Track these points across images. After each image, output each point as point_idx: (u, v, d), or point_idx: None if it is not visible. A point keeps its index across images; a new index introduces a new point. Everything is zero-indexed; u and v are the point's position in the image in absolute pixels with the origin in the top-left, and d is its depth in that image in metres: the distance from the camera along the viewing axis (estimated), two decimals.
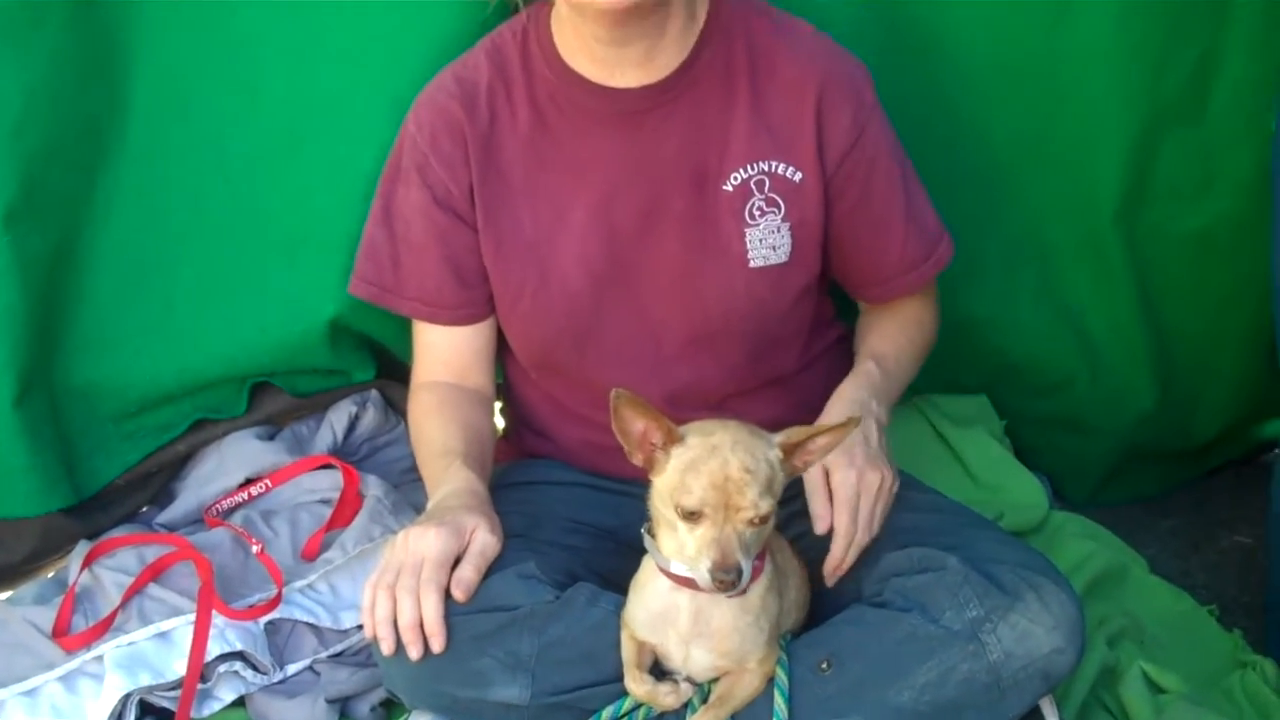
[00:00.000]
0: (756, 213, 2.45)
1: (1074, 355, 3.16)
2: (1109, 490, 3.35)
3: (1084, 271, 3.07)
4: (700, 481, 2.02)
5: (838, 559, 2.30)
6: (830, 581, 2.32)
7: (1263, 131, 2.81)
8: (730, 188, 2.44)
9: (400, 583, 2.21)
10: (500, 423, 2.89)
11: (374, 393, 3.08)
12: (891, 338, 2.59)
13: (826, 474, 2.31)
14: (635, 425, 2.08)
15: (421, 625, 2.20)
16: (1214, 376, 3.22)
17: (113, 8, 2.66)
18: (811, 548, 2.40)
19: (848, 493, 2.29)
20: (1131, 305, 3.08)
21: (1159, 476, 3.40)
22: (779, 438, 2.09)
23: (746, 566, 2.01)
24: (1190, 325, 3.14)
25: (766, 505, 2.03)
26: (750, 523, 2.03)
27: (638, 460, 2.11)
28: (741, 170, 2.44)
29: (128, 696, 2.48)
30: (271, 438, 3.00)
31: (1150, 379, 3.17)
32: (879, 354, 2.53)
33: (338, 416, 3.02)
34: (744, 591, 2.12)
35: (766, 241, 2.45)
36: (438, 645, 2.19)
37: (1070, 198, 3.00)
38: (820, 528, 2.30)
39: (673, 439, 2.07)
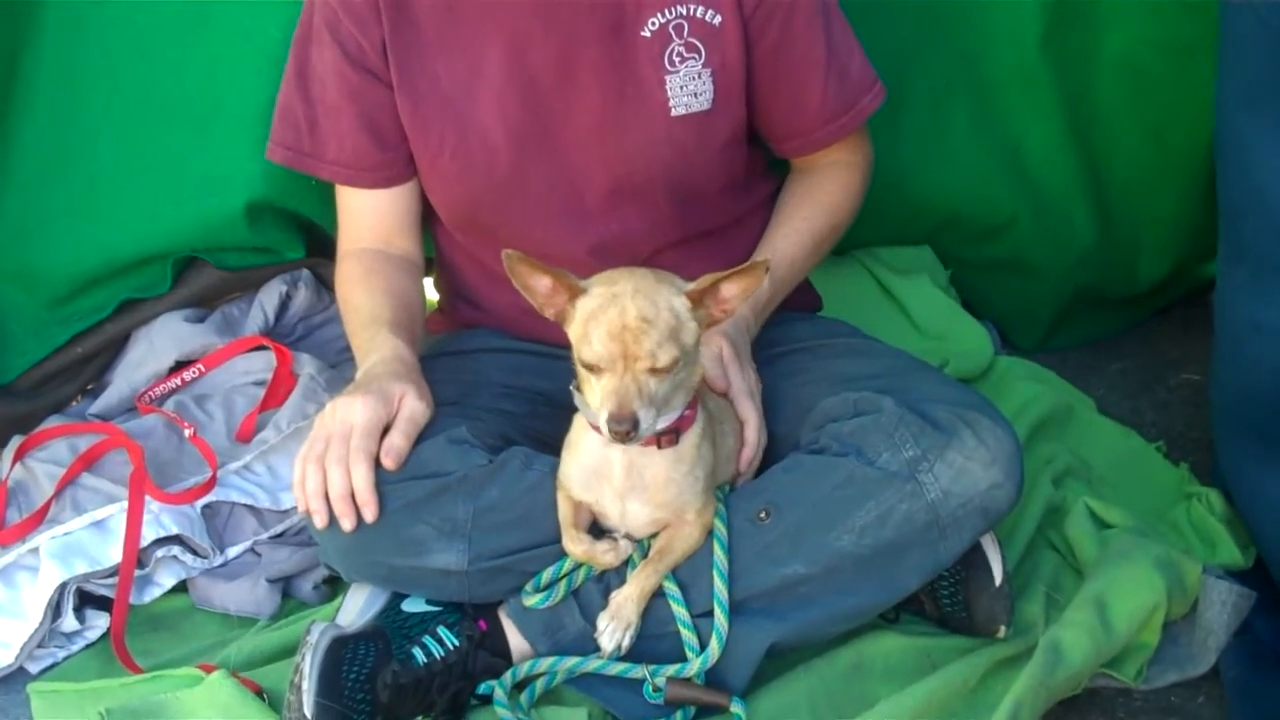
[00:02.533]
0: (676, 59, 2.38)
1: (1012, 193, 3.13)
2: (1058, 336, 3.33)
3: (1016, 104, 3.04)
4: (599, 332, 1.98)
5: (752, 448, 2.28)
6: (746, 478, 2.30)
7: None
8: (648, 34, 2.38)
9: (329, 454, 2.17)
10: (434, 296, 2.84)
11: (305, 272, 3.03)
12: (792, 226, 2.52)
13: (721, 355, 2.29)
14: (537, 281, 2.04)
15: (353, 495, 2.16)
16: (1155, 215, 3.19)
17: None
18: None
19: (745, 386, 2.28)
20: (1065, 136, 3.06)
21: (1107, 320, 3.38)
22: (689, 287, 2.04)
23: (646, 416, 1.97)
24: (1122, 155, 3.11)
25: (666, 355, 1.98)
26: (652, 371, 1.98)
27: (550, 314, 2.07)
28: (659, 15, 2.37)
29: (64, 585, 2.47)
30: (202, 320, 2.95)
31: (1089, 213, 3.15)
32: (776, 253, 2.47)
33: (268, 297, 2.97)
34: (668, 441, 2.11)
35: (688, 88, 2.39)
36: (370, 514, 2.16)
37: (996, 29, 2.96)
38: (718, 387, 2.26)
39: (575, 292, 2.03)
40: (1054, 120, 3.04)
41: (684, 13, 2.38)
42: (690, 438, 2.13)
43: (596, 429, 2.06)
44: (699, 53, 2.39)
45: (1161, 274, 3.29)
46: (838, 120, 2.51)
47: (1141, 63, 2.97)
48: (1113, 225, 3.17)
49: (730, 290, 2.03)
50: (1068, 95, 3.01)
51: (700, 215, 2.52)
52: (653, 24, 2.38)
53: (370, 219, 2.56)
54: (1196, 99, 2.89)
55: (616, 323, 1.97)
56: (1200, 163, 3.02)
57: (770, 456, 2.32)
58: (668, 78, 2.39)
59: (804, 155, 2.58)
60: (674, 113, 2.40)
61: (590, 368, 2.00)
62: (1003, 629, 2.28)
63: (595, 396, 2.01)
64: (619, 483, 2.14)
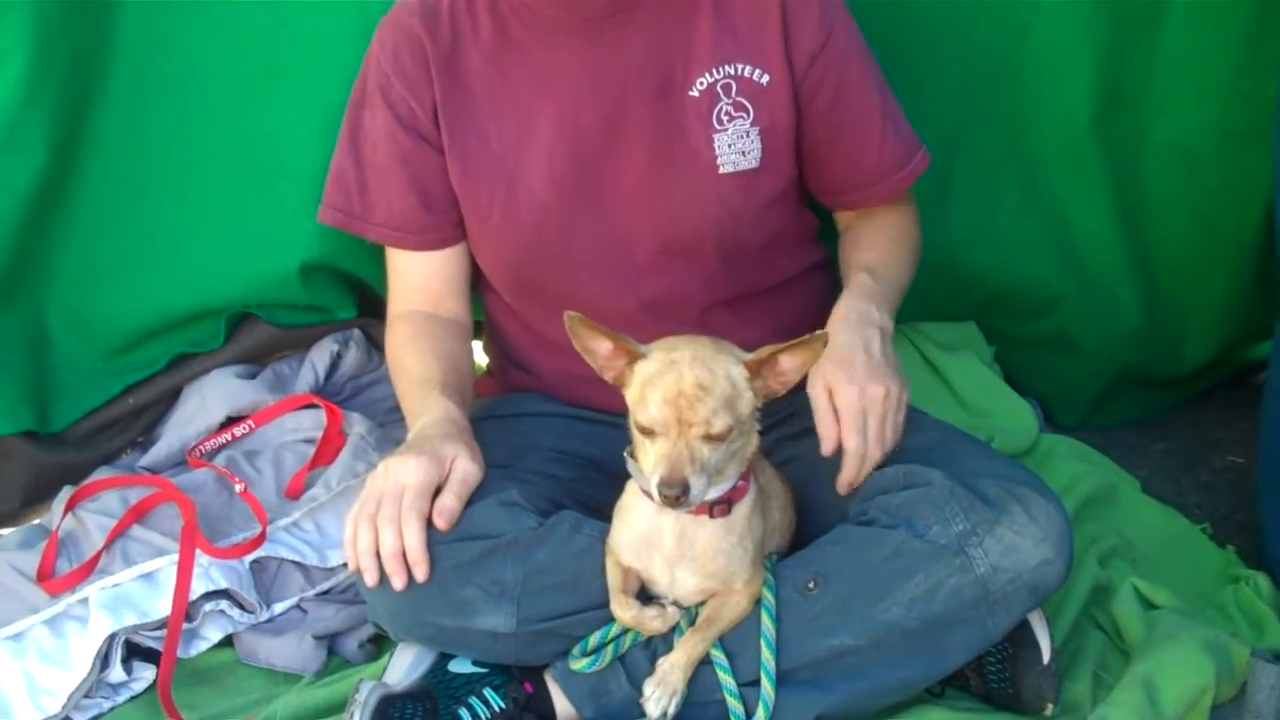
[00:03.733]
0: (725, 118, 2.41)
1: (1059, 272, 3.13)
2: (1101, 414, 3.33)
3: (1065, 183, 3.05)
4: (655, 396, 1.99)
5: (851, 476, 2.24)
6: (844, 491, 2.26)
7: (1231, 44, 2.83)
8: (696, 93, 2.41)
9: (382, 513, 2.19)
10: (483, 359, 2.86)
11: (356, 331, 3.07)
12: (879, 246, 2.53)
13: (830, 393, 2.25)
14: (598, 345, 2.06)
15: (404, 555, 2.18)
16: (1202, 298, 3.18)
17: None
18: (802, 471, 2.38)
19: (853, 411, 2.22)
20: (1113, 217, 3.06)
21: (1151, 400, 3.37)
22: (747, 357, 2.05)
23: (697, 483, 1.98)
24: (1171, 239, 3.11)
25: (721, 422, 1.98)
26: (706, 438, 1.99)
27: (609, 377, 2.08)
28: (707, 75, 2.41)
29: (113, 637, 2.48)
30: (253, 376, 2.98)
31: (1136, 294, 3.14)
32: (870, 265, 2.47)
33: (319, 355, 3.00)
34: (720, 511, 2.12)
35: (735, 146, 2.42)
36: (421, 574, 2.17)
37: (1046, 108, 2.97)
38: (827, 449, 2.23)
39: (635, 356, 2.05)
40: (1102, 201, 3.04)
41: (732, 72, 2.41)
42: (742, 508, 2.14)
43: (648, 494, 2.07)
44: (747, 112, 2.42)
45: (1207, 356, 3.28)
46: (896, 174, 2.55)
47: (1192, 147, 2.98)
48: (1159, 307, 3.17)
49: (788, 363, 2.04)
50: (1117, 176, 3.02)
51: (751, 273, 2.54)
52: (701, 83, 2.41)
53: (419, 281, 2.59)
54: (1247, 184, 2.94)
55: (673, 388, 1.98)
56: (1249, 247, 3.05)
57: (818, 525, 2.32)
58: (715, 136, 2.42)
59: (864, 207, 2.60)
60: (721, 170, 2.43)
61: (645, 431, 2.02)
62: (1050, 707, 2.27)
63: (649, 461, 2.02)
64: (669, 550, 2.15)
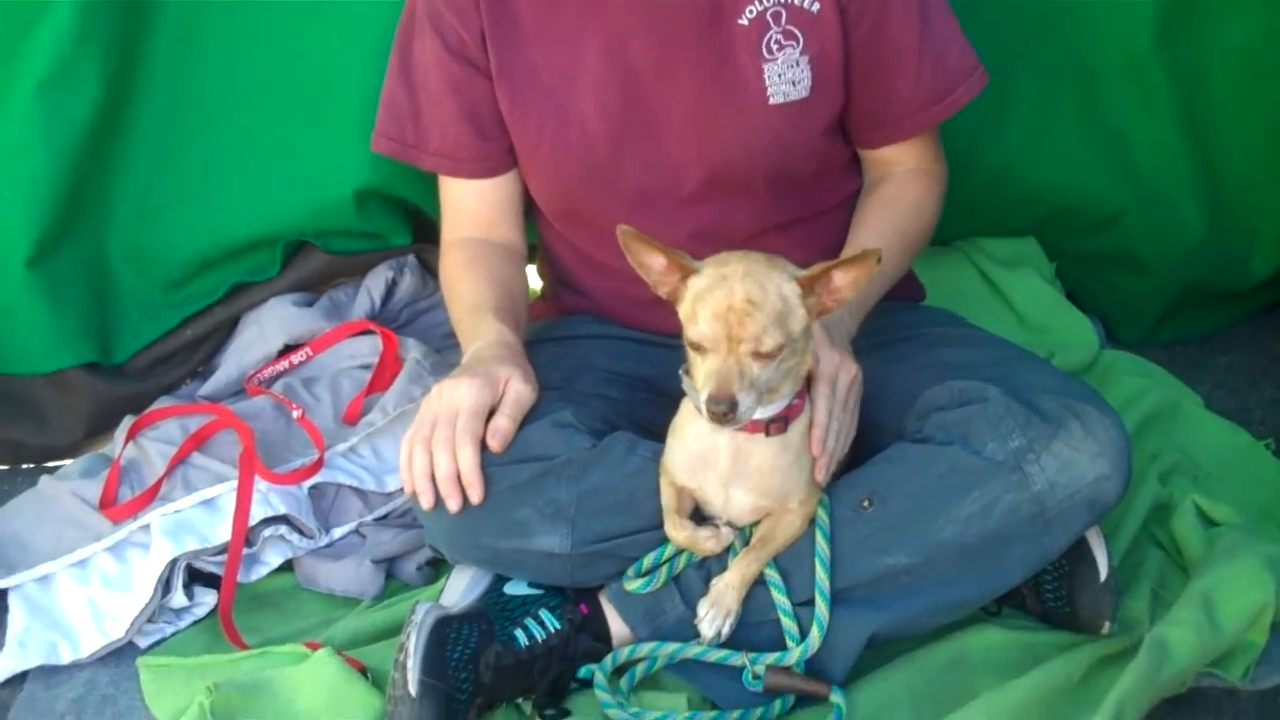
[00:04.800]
0: (774, 47, 2.38)
1: (1121, 186, 3.08)
2: (1164, 330, 3.28)
3: (1127, 97, 2.99)
4: (705, 312, 1.98)
5: (822, 429, 2.17)
6: (823, 474, 2.19)
7: None
8: (745, 22, 2.37)
9: (436, 436, 2.19)
10: (537, 283, 2.86)
11: (411, 258, 3.06)
12: (878, 235, 2.44)
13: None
14: (652, 260, 2.04)
15: (459, 477, 2.18)
16: (1268, 207, 3.11)
17: None
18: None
19: (828, 369, 2.19)
20: (1177, 130, 3.00)
21: (1214, 315, 3.32)
22: (800, 273, 2.03)
23: (746, 400, 1.96)
24: (1238, 150, 3.04)
25: (771, 339, 1.96)
26: (755, 355, 1.97)
27: (663, 293, 2.07)
28: (757, 3, 2.37)
29: (175, 562, 2.51)
30: (309, 304, 3.00)
31: (1200, 208, 3.09)
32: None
33: (375, 282, 3.01)
34: (776, 429, 2.10)
35: (786, 76, 2.38)
36: (476, 496, 2.18)
37: (1107, 21, 2.91)
38: None
39: (688, 271, 2.03)
40: (1166, 113, 2.99)
41: (782, 0, 2.37)
42: (798, 427, 2.13)
43: (700, 411, 2.06)
44: (797, 40, 2.38)
45: (1273, 268, 3.22)
46: (930, 108, 2.48)
47: (1260, 55, 2.91)
48: (1224, 219, 3.11)
49: (841, 279, 2.02)
50: (1181, 88, 2.96)
51: (797, 202, 2.51)
52: (750, 12, 2.38)
53: (473, 208, 2.59)
54: None
55: (723, 304, 1.97)
56: None
57: (874, 445, 2.30)
58: (765, 66, 2.38)
59: (891, 144, 2.53)
60: (772, 101, 2.39)
61: (696, 348, 2.00)
62: (1107, 625, 2.25)
63: (700, 378, 2.01)
64: (724, 469, 2.14)
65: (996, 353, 2.42)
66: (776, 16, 2.37)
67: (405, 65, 2.54)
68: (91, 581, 2.56)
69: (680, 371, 2.13)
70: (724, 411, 1.95)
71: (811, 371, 2.17)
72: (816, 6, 2.37)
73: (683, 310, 2.03)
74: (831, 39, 2.38)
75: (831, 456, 2.19)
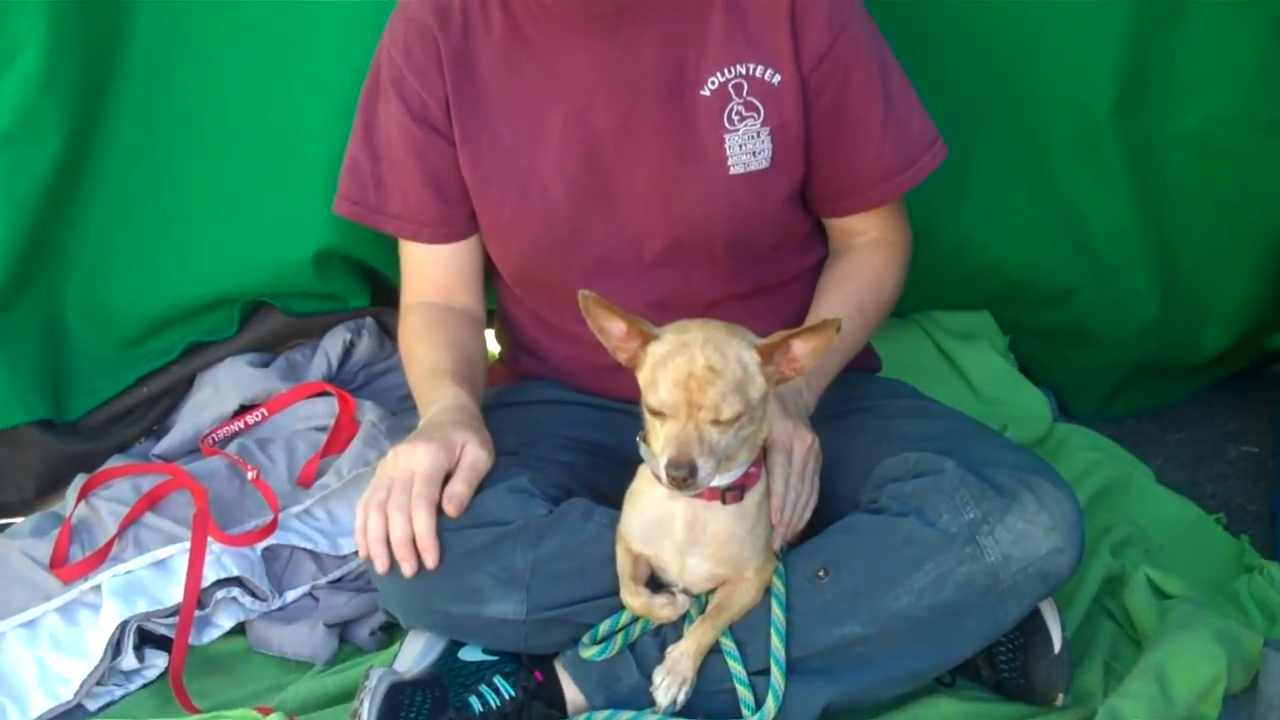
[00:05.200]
0: (735, 118, 2.40)
1: (1075, 262, 3.11)
2: (1116, 404, 3.32)
3: (1082, 173, 3.02)
4: (666, 378, 1.99)
5: (779, 499, 2.18)
6: (779, 542, 2.21)
7: (1259, 34, 2.79)
8: (708, 93, 2.40)
9: (392, 500, 2.19)
10: (495, 348, 2.87)
11: (369, 320, 3.07)
12: (842, 304, 2.47)
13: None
14: (612, 325, 2.05)
15: (414, 541, 2.17)
16: (1220, 286, 3.16)
17: None
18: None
19: (781, 438, 2.20)
20: (1131, 207, 3.03)
21: (1165, 389, 3.36)
22: (760, 342, 2.04)
23: (705, 465, 1.96)
24: (1193, 229, 3.08)
25: (731, 407, 1.97)
26: (715, 422, 1.98)
27: (623, 359, 2.08)
28: (719, 74, 2.39)
29: (125, 624, 2.49)
30: (266, 365, 2.99)
31: (1153, 285, 3.12)
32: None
33: (332, 344, 3.01)
34: (733, 498, 2.11)
35: (747, 147, 2.41)
36: (431, 560, 2.17)
37: (1065, 98, 2.95)
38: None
39: (648, 337, 2.04)
40: (1121, 191, 3.02)
41: (743, 71, 2.39)
42: (754, 495, 2.14)
43: (658, 477, 2.06)
44: (758, 111, 2.40)
45: (1225, 345, 3.26)
46: (892, 179, 2.50)
47: (1216, 137, 2.94)
48: (1177, 297, 3.15)
49: (801, 348, 2.03)
50: (1136, 167, 2.99)
51: (757, 271, 2.52)
52: (712, 83, 2.40)
53: (433, 273, 2.59)
54: (1273, 174, 2.91)
55: (683, 370, 1.98)
56: (1274, 235, 3.02)
57: (830, 514, 2.30)
58: (727, 136, 2.40)
59: (855, 214, 2.54)
60: (732, 171, 2.41)
61: (655, 413, 2.01)
62: (1061, 697, 2.26)
63: (659, 443, 2.01)
64: (680, 536, 2.15)
65: (952, 425, 2.44)
66: (738, 88, 2.39)
67: (368, 128, 2.55)
68: (41, 642, 2.54)
69: (638, 438, 2.13)
70: (683, 477, 1.96)
71: (766, 441, 2.17)
72: (778, 78, 2.39)
73: (642, 376, 2.04)
74: (792, 110, 2.40)
75: (788, 526, 2.20)
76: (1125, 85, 2.91)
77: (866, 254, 2.56)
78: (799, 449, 2.22)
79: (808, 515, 2.24)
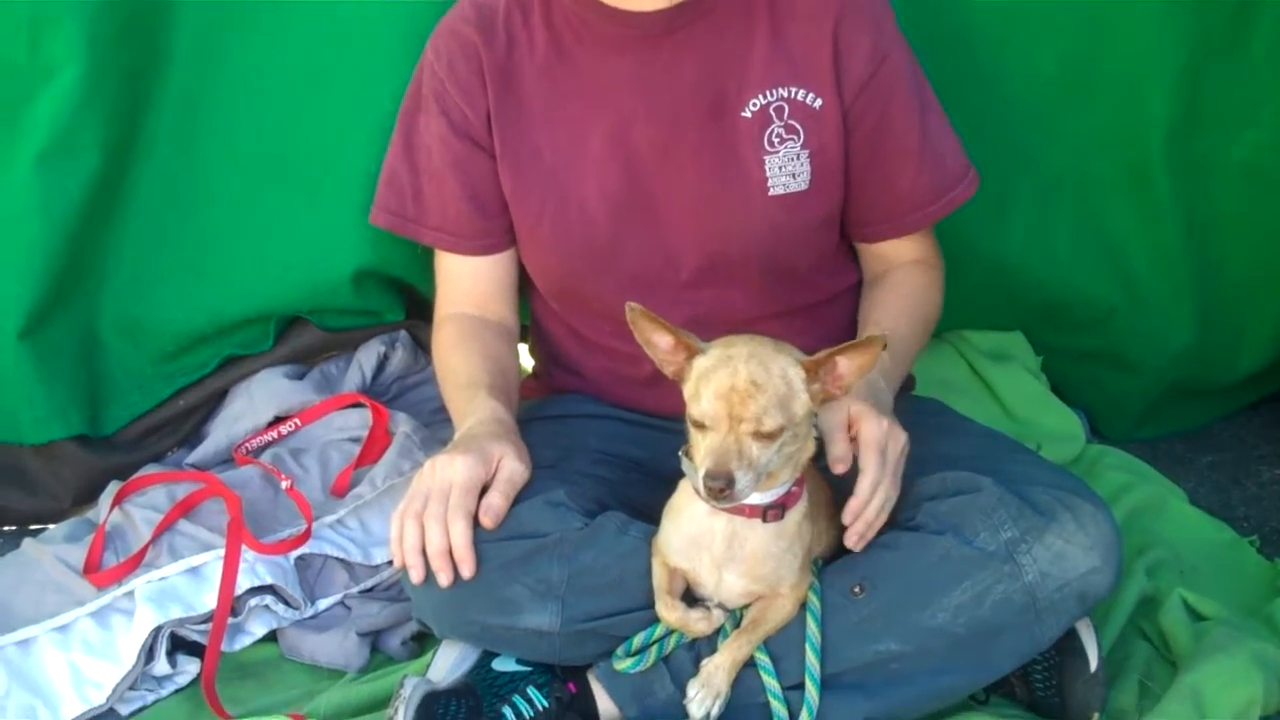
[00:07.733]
0: (776, 140, 2.41)
1: (1113, 288, 3.10)
2: (1148, 426, 3.31)
3: (1128, 203, 3.01)
4: (709, 390, 1.99)
5: (863, 501, 2.16)
6: (854, 539, 2.19)
7: None
8: (749, 114, 2.41)
9: (428, 510, 2.19)
10: (530, 362, 2.87)
11: (403, 333, 3.08)
12: (894, 314, 2.48)
13: (849, 421, 2.20)
14: (659, 339, 2.06)
15: (450, 552, 2.18)
16: (1257, 309, 3.15)
17: None
18: (849, 476, 2.35)
19: (878, 436, 2.18)
20: (1177, 237, 3.03)
21: (1199, 411, 3.35)
22: (805, 358, 2.05)
23: (744, 479, 1.97)
24: (1235, 257, 3.08)
25: (772, 420, 1.98)
26: (757, 435, 1.98)
27: (669, 372, 2.08)
28: (760, 96, 2.40)
29: (158, 630, 2.49)
30: (301, 377, 3.00)
31: (1192, 312, 3.12)
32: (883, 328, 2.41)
33: (366, 356, 3.02)
34: (774, 516, 2.11)
35: (786, 169, 2.42)
36: (467, 571, 2.17)
37: (1115, 129, 2.94)
38: (839, 468, 2.19)
39: (694, 351, 2.05)
40: (1168, 220, 3.01)
41: (785, 95, 2.41)
42: (794, 514, 2.14)
43: (698, 491, 2.06)
44: (798, 134, 2.41)
45: (1260, 367, 3.25)
46: (926, 208, 2.52)
47: (1265, 166, 2.94)
48: (1214, 323, 3.14)
49: (846, 365, 2.04)
50: (1184, 195, 2.98)
51: (792, 292, 2.53)
52: (754, 105, 2.41)
53: (469, 285, 2.60)
54: None
55: (726, 383, 1.98)
56: None
57: None
58: (766, 158, 2.41)
59: (888, 240, 2.56)
60: (771, 192, 2.42)
61: (698, 425, 2.02)
62: (1096, 716, 2.25)
63: (700, 455, 2.02)
64: (718, 552, 2.15)
65: (988, 444, 2.44)
66: (779, 111, 2.40)
67: (408, 141, 2.56)
68: (74, 647, 2.54)
69: (680, 452, 2.14)
70: (720, 487, 1.96)
71: (858, 439, 2.17)
72: (819, 103, 2.40)
73: (687, 389, 2.05)
74: (832, 135, 2.42)
75: (870, 526, 2.18)
76: (1179, 115, 2.90)
77: (907, 273, 2.57)
78: (893, 448, 2.20)
79: (884, 516, 2.22)
